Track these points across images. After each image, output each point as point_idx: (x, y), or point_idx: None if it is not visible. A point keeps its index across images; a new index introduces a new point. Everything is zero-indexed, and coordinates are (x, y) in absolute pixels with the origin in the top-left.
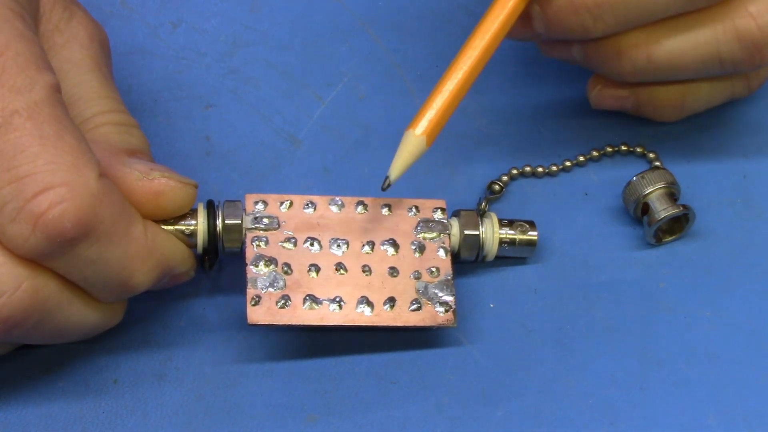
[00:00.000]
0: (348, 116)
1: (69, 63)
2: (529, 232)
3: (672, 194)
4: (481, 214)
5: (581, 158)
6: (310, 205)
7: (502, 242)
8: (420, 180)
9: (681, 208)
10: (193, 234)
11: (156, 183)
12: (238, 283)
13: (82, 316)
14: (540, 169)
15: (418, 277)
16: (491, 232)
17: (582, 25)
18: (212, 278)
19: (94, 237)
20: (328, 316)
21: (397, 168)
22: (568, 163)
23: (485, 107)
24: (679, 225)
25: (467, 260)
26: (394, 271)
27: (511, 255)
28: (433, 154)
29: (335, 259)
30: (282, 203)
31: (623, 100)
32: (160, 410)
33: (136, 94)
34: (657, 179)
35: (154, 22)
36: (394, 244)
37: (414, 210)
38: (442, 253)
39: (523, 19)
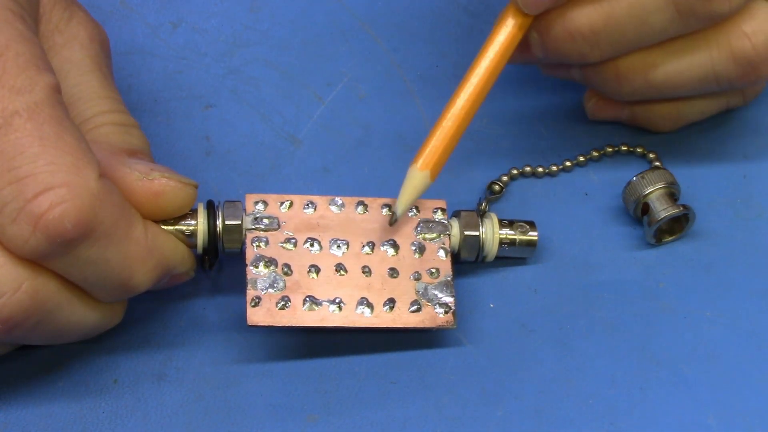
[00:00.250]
0: (348, 116)
1: (69, 63)
2: (529, 233)
3: (672, 194)
4: (481, 215)
5: (581, 158)
6: (310, 205)
7: (502, 243)
8: None
9: (681, 208)
10: (193, 234)
11: (156, 183)
12: (238, 283)
13: (82, 316)
14: (540, 169)
15: (418, 278)
16: (491, 233)
17: (579, 51)
18: (212, 278)
19: (95, 237)
20: (327, 317)
21: (402, 204)
22: (568, 163)
23: (485, 107)
24: (679, 225)
25: (467, 261)
26: (394, 272)
27: (511, 255)
28: None
29: (335, 260)
30: (282, 203)
31: (619, 112)
32: (160, 410)
33: (136, 94)
34: (657, 179)
35: (154, 22)
36: (394, 245)
37: (414, 210)
38: (442, 253)
39: (522, 45)
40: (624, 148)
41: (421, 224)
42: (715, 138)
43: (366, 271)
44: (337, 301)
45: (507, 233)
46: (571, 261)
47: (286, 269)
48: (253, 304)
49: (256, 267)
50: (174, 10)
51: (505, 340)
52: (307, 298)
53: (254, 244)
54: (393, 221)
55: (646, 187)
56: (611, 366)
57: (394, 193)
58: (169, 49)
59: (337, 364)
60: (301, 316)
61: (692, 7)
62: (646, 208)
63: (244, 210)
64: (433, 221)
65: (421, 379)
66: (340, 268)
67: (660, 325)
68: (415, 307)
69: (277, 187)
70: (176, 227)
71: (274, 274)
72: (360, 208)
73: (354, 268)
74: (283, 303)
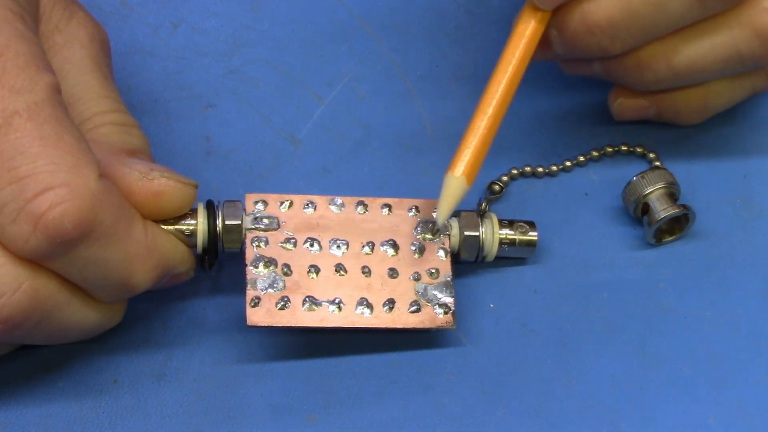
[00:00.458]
0: (348, 116)
1: (69, 63)
2: (529, 233)
3: (672, 194)
4: (481, 215)
5: (581, 158)
6: (310, 205)
7: (502, 243)
8: (420, 180)
9: (681, 208)
10: (193, 234)
11: (156, 183)
12: (238, 283)
13: (82, 316)
14: (540, 169)
15: (417, 279)
16: (491, 233)
17: (599, 44)
18: (212, 278)
19: (94, 237)
20: (327, 317)
21: (443, 213)
22: (568, 163)
23: None
24: (679, 225)
25: (467, 261)
26: (393, 273)
27: (511, 255)
28: (433, 155)
29: (335, 260)
30: (282, 203)
31: (645, 109)
32: (160, 410)
33: (136, 94)
34: (657, 179)
35: (154, 22)
36: (394, 245)
37: (414, 210)
38: (441, 254)
39: (543, 42)
40: (624, 148)
41: (421, 224)
42: (715, 138)
43: (366, 271)
44: (336, 301)
45: (507, 233)
46: (571, 261)
47: (285, 269)
48: (252, 304)
49: (256, 267)
50: (174, 10)
51: (505, 340)
52: (307, 299)
53: (254, 244)
54: (435, 231)
55: (646, 187)
56: (611, 366)
57: (394, 193)
58: (169, 49)
59: (337, 364)
60: (300, 317)
61: None
62: (646, 208)
63: (244, 210)
64: (433, 221)
65: (420, 378)
66: (339, 268)
67: (660, 325)
68: (414, 308)
69: (277, 187)
70: (176, 227)
71: (273, 274)
72: (360, 208)
73: (354, 268)
74: (282, 303)
